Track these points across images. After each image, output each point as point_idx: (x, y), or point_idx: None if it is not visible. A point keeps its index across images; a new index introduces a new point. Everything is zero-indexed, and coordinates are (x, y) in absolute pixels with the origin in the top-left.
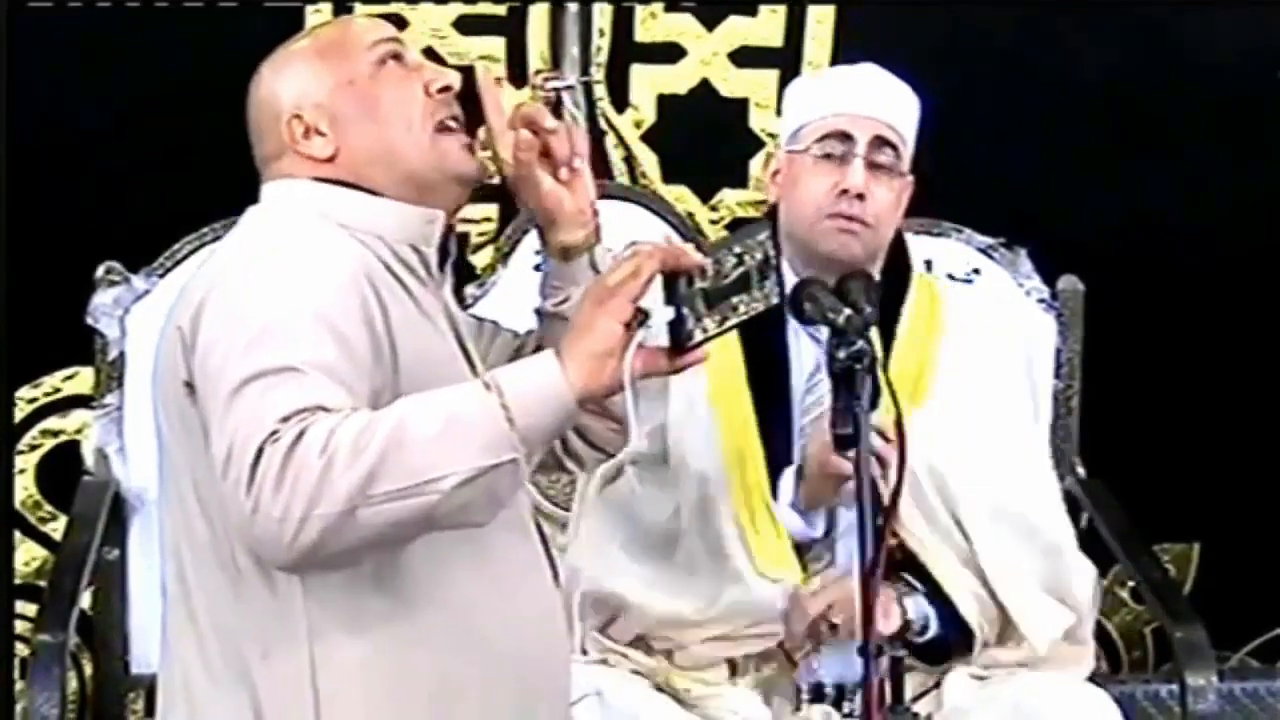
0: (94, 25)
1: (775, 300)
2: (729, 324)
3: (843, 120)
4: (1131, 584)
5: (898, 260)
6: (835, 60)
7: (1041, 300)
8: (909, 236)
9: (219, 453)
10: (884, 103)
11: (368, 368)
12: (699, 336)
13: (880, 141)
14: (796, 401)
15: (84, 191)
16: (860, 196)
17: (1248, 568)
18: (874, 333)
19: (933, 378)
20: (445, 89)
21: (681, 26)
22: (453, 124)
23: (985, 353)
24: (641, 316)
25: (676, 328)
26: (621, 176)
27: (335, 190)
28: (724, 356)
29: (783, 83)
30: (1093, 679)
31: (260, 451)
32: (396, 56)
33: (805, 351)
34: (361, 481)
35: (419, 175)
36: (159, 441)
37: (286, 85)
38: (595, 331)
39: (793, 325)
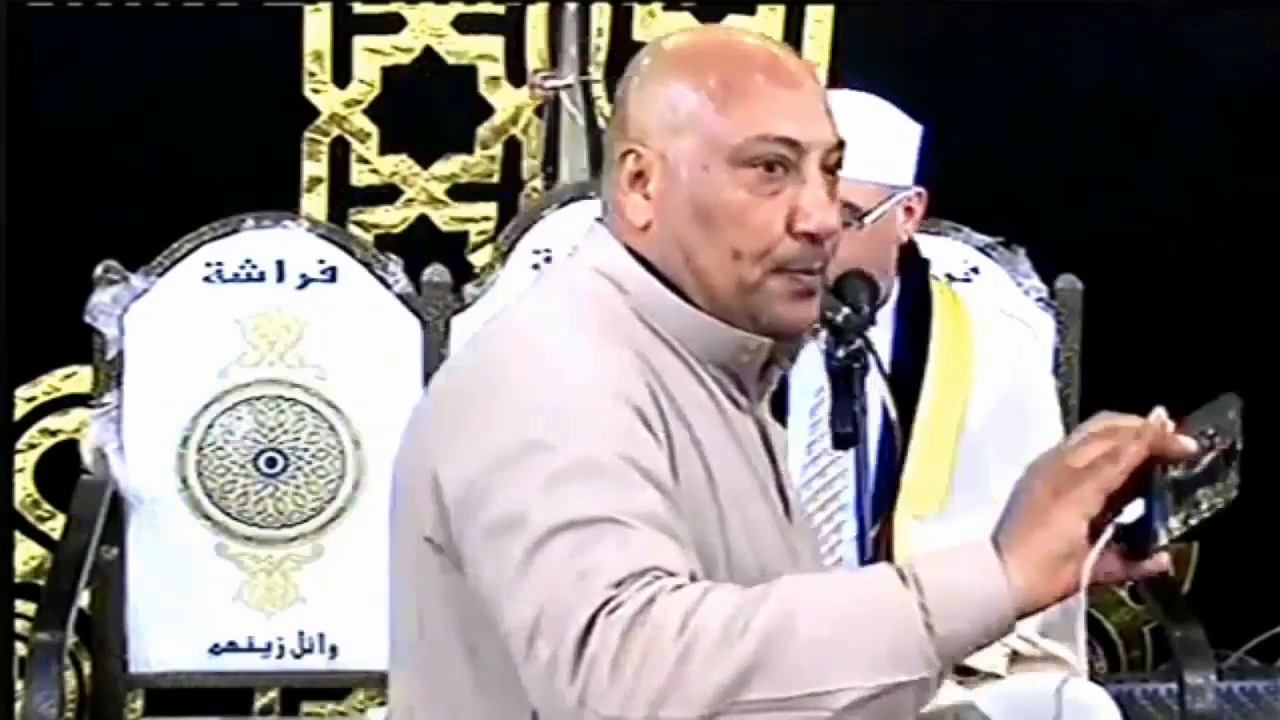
0: (94, 25)
1: (1234, 494)
2: (1190, 524)
3: None
4: (1130, 583)
5: (915, 269)
6: (834, 60)
7: (1040, 299)
8: None
9: (519, 622)
10: None
11: (683, 513)
12: (1163, 539)
13: None
14: (794, 421)
15: (83, 191)
16: None
17: (1246, 567)
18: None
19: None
20: (812, 237)
21: (680, 25)
22: (799, 269)
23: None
24: (1113, 513)
25: (1141, 526)
26: None
27: (654, 288)
28: None
29: None
30: (1091, 677)
31: (591, 625)
32: (774, 166)
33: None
34: (731, 683)
35: (723, 306)
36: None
37: (659, 102)
38: (1054, 527)
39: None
